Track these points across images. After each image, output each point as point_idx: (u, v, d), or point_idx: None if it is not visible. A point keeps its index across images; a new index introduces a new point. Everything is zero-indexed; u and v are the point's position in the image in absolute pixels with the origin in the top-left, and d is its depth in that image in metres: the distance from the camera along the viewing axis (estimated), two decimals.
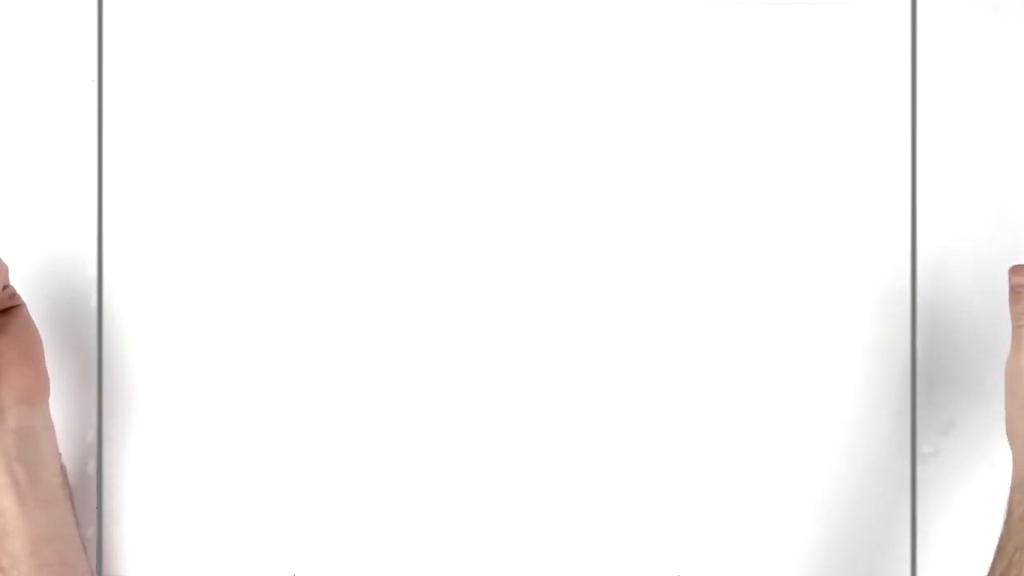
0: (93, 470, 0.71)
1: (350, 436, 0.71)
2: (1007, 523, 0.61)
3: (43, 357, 0.67)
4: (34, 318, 0.68)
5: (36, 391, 0.65)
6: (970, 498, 0.70)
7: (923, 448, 0.71)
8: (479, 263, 0.72)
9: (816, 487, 0.71)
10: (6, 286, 0.64)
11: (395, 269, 0.72)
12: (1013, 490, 0.62)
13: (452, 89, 0.72)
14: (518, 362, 0.71)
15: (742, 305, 0.71)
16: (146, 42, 0.72)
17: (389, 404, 0.71)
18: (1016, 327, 0.63)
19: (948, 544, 0.70)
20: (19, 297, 0.66)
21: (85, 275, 0.72)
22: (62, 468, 0.67)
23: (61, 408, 0.71)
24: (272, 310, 0.72)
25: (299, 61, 0.72)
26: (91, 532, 0.71)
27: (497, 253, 0.72)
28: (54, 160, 0.72)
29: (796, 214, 0.71)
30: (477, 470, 0.71)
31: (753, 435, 0.71)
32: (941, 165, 0.71)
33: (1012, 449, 0.63)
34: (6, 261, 0.65)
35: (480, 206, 0.72)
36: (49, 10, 0.72)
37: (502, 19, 0.72)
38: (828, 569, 0.71)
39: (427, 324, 0.71)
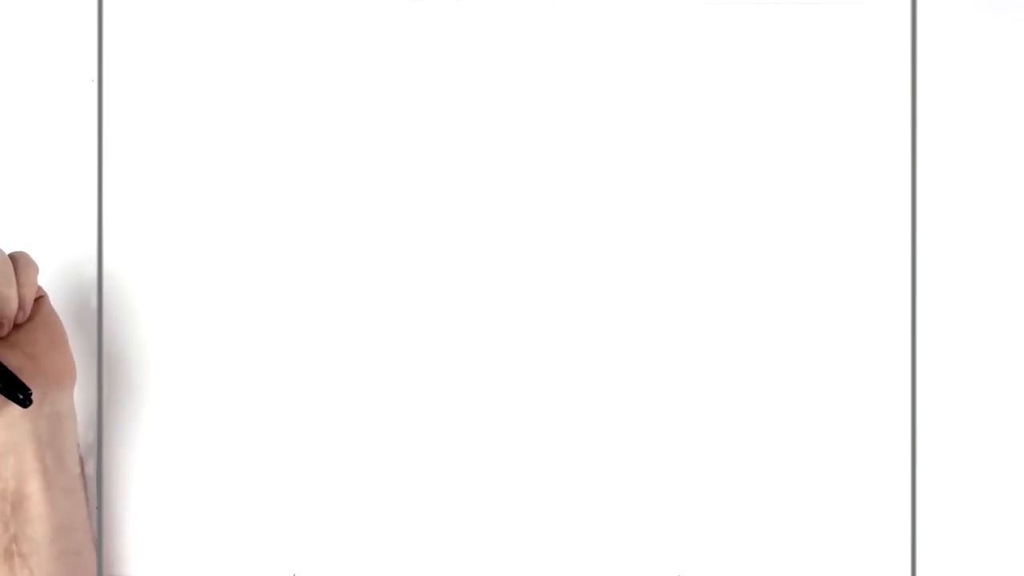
0: (93, 470, 0.71)
1: (351, 436, 0.71)
2: None
3: (68, 343, 0.67)
4: None
5: (68, 375, 0.66)
6: (970, 498, 0.70)
7: (922, 448, 0.71)
8: (480, 265, 0.72)
9: (816, 487, 0.71)
10: None
11: (396, 270, 0.72)
12: None
13: (452, 92, 0.72)
14: (519, 363, 0.71)
15: (742, 305, 0.71)
16: (146, 42, 0.72)
17: (389, 404, 0.71)
18: None
19: (948, 544, 0.70)
20: (42, 288, 0.67)
21: (85, 275, 0.72)
22: (80, 457, 0.68)
23: None
24: (273, 310, 0.72)
25: (300, 62, 0.72)
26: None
27: (499, 255, 0.72)
28: (54, 160, 0.72)
29: (796, 214, 0.71)
30: (477, 470, 0.71)
31: (753, 435, 0.71)
32: (941, 165, 0.71)
33: None
34: (9, 260, 0.65)
35: (481, 209, 0.72)
36: (49, 10, 0.72)
37: (503, 22, 0.72)
38: (828, 569, 0.71)
39: (427, 324, 0.71)
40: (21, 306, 0.63)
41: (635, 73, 0.71)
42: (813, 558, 0.71)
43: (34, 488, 0.64)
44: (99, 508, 0.71)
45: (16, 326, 0.65)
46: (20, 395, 0.61)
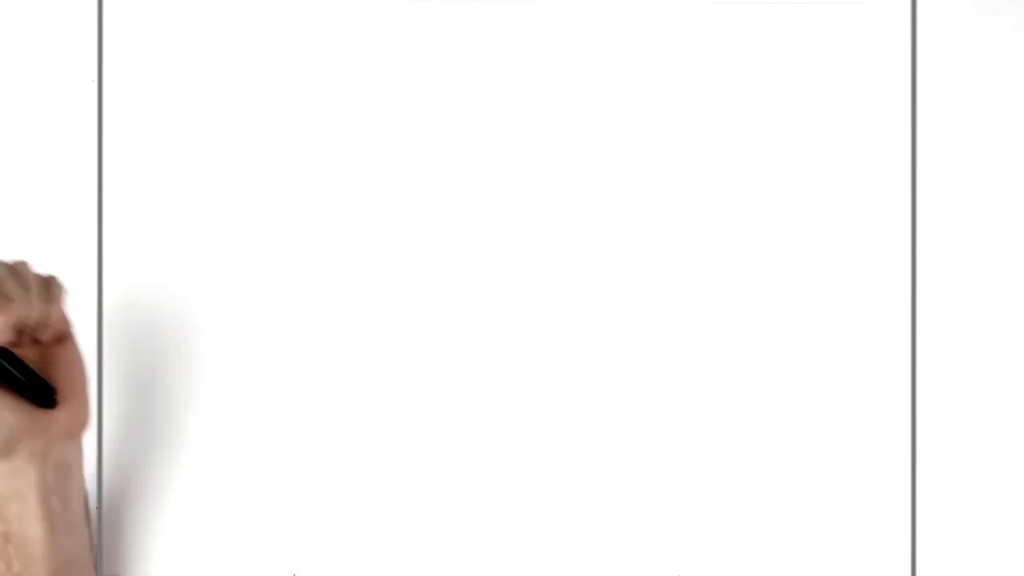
0: (93, 470, 0.71)
1: (350, 437, 0.71)
2: None
3: (89, 390, 0.65)
4: None
5: (82, 426, 0.64)
6: (970, 498, 0.70)
7: (921, 448, 0.71)
8: (481, 266, 0.72)
9: (816, 487, 0.71)
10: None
11: (395, 272, 0.72)
12: None
13: (453, 94, 0.72)
14: (518, 363, 0.71)
15: (742, 305, 0.71)
16: (146, 42, 0.72)
17: (389, 405, 0.71)
18: None
19: (948, 544, 0.70)
20: (71, 322, 0.64)
21: (85, 275, 0.72)
22: (86, 496, 0.67)
23: None
24: (272, 310, 0.72)
25: (300, 62, 0.72)
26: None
27: (499, 255, 0.72)
28: (54, 160, 0.72)
29: (796, 214, 0.71)
30: (477, 471, 0.71)
31: (753, 435, 0.71)
32: (941, 165, 0.71)
33: None
34: (3, 261, 0.64)
35: (482, 209, 0.72)
36: (49, 10, 0.72)
37: (502, 22, 0.72)
38: (828, 569, 0.71)
39: (427, 326, 0.71)
40: (48, 325, 0.61)
41: (635, 73, 0.71)
42: (813, 558, 0.71)
43: (37, 531, 0.63)
44: (99, 508, 0.71)
45: (40, 357, 0.63)
46: (42, 396, 0.60)
